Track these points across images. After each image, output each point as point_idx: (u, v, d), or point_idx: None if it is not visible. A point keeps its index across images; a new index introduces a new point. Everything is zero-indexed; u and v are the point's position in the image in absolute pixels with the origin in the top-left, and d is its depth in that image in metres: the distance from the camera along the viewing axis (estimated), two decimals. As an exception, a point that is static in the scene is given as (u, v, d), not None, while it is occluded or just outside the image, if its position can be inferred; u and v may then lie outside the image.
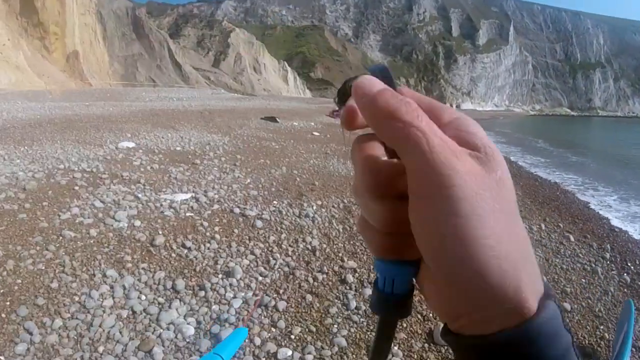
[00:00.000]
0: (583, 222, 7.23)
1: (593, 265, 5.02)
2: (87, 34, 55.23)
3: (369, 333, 3.21)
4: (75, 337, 2.91)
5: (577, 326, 3.69)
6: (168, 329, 3.04)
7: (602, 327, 3.69)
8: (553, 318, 0.30)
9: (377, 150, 0.33)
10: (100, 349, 2.80)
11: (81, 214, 5.22)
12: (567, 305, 3.98)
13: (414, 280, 0.35)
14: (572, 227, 6.69)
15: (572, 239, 5.96)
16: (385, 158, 0.33)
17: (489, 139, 0.33)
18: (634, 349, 3.30)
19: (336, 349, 3.02)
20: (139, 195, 6.12)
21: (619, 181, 12.92)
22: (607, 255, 5.48)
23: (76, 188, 6.35)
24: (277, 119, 20.04)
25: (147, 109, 20.76)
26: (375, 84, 0.32)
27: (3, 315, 3.11)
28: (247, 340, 2.92)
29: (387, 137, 0.31)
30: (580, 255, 5.36)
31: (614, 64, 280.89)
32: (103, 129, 12.56)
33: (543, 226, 6.43)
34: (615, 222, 7.65)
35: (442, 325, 0.33)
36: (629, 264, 5.27)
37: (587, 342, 3.46)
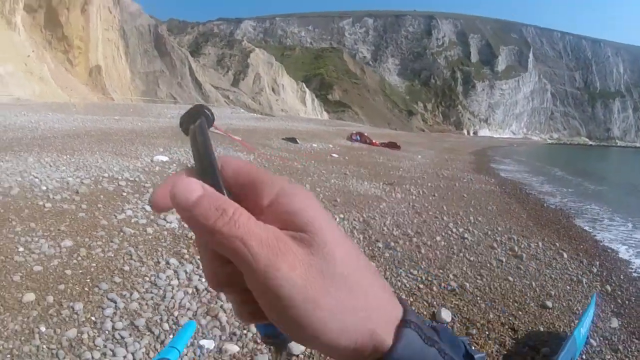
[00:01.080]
0: (578, 242, 7.86)
1: (579, 277, 5.68)
2: (109, 49, 56.85)
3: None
4: (153, 305, 3.67)
5: (556, 319, 4.35)
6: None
7: (576, 321, 4.36)
8: (411, 342, 0.33)
9: (214, 253, 0.34)
10: (175, 313, 3.56)
11: (135, 216, 6.02)
12: (549, 303, 4.64)
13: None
14: (567, 247, 7.32)
15: (565, 255, 6.61)
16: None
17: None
18: (598, 339, 3.99)
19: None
20: (182, 203, 6.92)
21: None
22: (594, 270, 6.13)
23: (124, 194, 7.17)
24: (297, 140, 20.83)
25: (174, 126, 21.76)
26: (191, 192, 0.32)
27: (87, 289, 3.86)
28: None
29: (215, 248, 0.32)
30: (570, 268, 6.02)
31: (633, 94, 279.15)
32: (137, 143, 13.47)
33: (540, 244, 7.10)
34: (608, 244, 8.26)
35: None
36: (613, 278, 5.91)
37: (562, 330, 4.13)
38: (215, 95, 76.59)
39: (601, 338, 4.10)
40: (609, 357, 3.83)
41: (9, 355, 2.85)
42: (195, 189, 0.32)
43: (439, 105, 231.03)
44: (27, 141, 11.90)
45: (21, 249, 4.47)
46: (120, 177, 8.30)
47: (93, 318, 3.41)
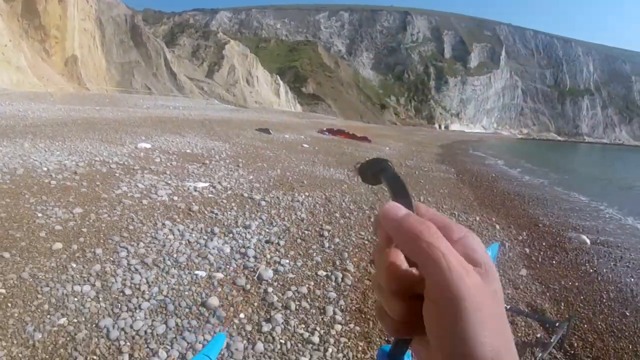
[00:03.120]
0: (515, 218, 9.14)
1: (504, 241, 6.96)
2: (86, 39, 56.41)
3: (334, 256, 5.16)
4: (156, 251, 4.78)
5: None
6: (214, 248, 4.94)
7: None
8: None
9: (399, 259, 0.42)
10: (174, 255, 4.69)
11: (130, 191, 7.07)
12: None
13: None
14: (502, 221, 8.58)
15: (497, 227, 7.91)
16: (405, 266, 0.42)
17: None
18: (504, 280, 5.25)
19: (313, 262, 4.96)
20: (169, 182, 7.99)
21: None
22: (520, 238, 7.43)
23: (117, 175, 8.19)
24: (270, 130, 21.81)
25: (153, 116, 22.56)
26: (399, 210, 0.41)
27: (102, 241, 4.94)
28: (265, 249, 4.90)
29: (412, 254, 0.39)
30: (498, 235, 7.31)
31: (602, 92, 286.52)
32: (120, 131, 14.34)
33: (478, 218, 8.41)
34: (542, 218, 9.57)
35: None
36: (535, 244, 7.21)
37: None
38: (190, 86, 76.56)
39: (508, 280, 5.37)
40: (509, 291, 5.08)
41: (50, 282, 3.91)
42: (402, 208, 0.42)
43: (411, 99, 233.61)
44: (19, 129, 12.68)
45: (40, 214, 5.49)
46: (110, 161, 9.28)
47: (111, 258, 4.50)
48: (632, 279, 6.01)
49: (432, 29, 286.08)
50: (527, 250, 6.77)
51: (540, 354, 3.58)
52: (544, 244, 7.25)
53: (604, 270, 6.14)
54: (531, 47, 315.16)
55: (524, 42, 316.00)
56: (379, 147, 23.62)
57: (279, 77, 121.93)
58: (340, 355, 3.36)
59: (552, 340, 3.77)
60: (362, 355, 3.43)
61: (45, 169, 7.90)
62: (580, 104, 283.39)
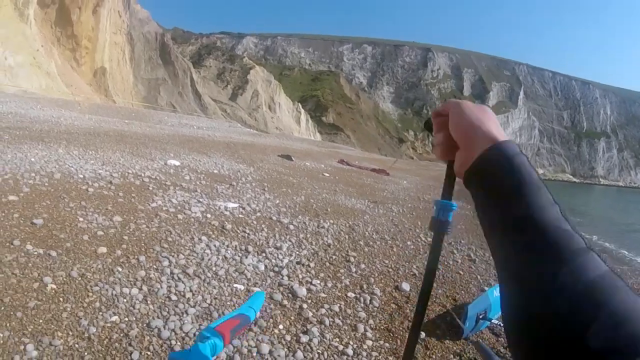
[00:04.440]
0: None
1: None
2: (115, 53, 58.34)
3: (361, 280, 5.39)
4: (196, 263, 5.05)
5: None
6: (249, 265, 5.20)
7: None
8: (512, 145, 0.64)
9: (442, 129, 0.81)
10: (213, 268, 4.95)
11: (165, 205, 7.39)
12: (487, 288, 6.10)
13: (451, 215, 0.84)
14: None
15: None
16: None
17: None
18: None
19: (342, 284, 5.19)
20: (200, 200, 8.32)
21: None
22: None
23: (150, 188, 8.53)
24: (292, 157, 22.18)
25: (180, 134, 23.14)
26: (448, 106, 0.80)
27: (143, 250, 5.23)
28: (297, 270, 5.16)
29: (445, 110, 0.80)
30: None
31: (619, 134, 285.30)
32: (150, 147, 14.81)
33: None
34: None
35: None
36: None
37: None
38: (214, 107, 78.11)
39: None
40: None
41: (99, 282, 4.19)
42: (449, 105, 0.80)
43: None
44: (54, 134, 13.21)
45: (81, 219, 5.82)
46: (142, 175, 9.63)
47: (154, 266, 4.78)
48: None
49: (452, 66, 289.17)
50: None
51: None
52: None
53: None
54: (549, 87, 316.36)
55: (542, 83, 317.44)
56: (396, 180, 23.81)
57: (300, 105, 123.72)
58: (373, 368, 3.57)
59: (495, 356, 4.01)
60: (393, 369, 3.63)
61: (81, 176, 8.28)
62: (597, 146, 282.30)
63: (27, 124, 14.47)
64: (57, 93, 38.89)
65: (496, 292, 4.75)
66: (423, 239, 8.85)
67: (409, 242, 8.26)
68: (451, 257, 7.73)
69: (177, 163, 12.51)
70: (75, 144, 12.10)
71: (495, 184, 0.60)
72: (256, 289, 4.63)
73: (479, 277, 6.73)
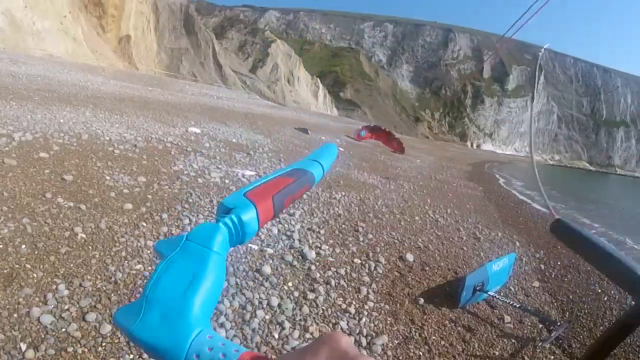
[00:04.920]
0: (535, 238, 9.41)
1: (521, 256, 7.37)
2: (140, 22, 58.56)
3: (368, 248, 5.72)
4: (214, 223, 5.39)
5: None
6: (264, 229, 5.54)
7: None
8: None
9: None
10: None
11: (185, 169, 7.73)
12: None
13: None
14: (522, 239, 8.88)
15: (517, 244, 8.29)
16: None
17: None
18: (517, 287, 5.72)
19: (349, 251, 5.51)
20: (219, 167, 8.65)
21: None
22: (537, 256, 7.81)
23: (172, 153, 8.88)
24: (309, 131, 22.42)
25: (200, 103, 23.49)
26: None
27: (166, 208, 5.56)
28: (307, 235, 5.50)
29: None
30: (517, 251, 7.69)
31: (638, 124, 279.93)
32: (172, 114, 15.16)
33: (500, 234, 8.80)
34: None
35: None
36: (550, 261, 7.58)
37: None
38: (234, 79, 78.22)
39: (521, 288, 5.80)
40: (520, 295, 5.52)
41: (125, 235, 4.54)
42: None
43: (446, 115, 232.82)
44: (81, 98, 13.60)
45: (108, 177, 6.17)
46: (165, 140, 9.98)
47: (176, 224, 5.13)
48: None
49: (473, 47, 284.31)
50: (542, 266, 7.15)
51: (540, 344, 4.07)
52: (559, 263, 7.60)
53: (612, 292, 6.49)
54: (570, 74, 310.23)
55: (564, 69, 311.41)
56: (410, 159, 23.98)
57: (319, 80, 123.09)
58: (372, 324, 3.90)
59: (551, 335, 4.27)
60: (390, 327, 3.96)
61: (107, 138, 8.64)
62: (615, 135, 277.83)
63: (56, 86, 14.87)
64: (83, 58, 39.37)
65: (494, 267, 5.03)
66: (431, 214, 9.12)
67: (417, 217, 8.54)
68: (457, 234, 8.00)
69: (198, 130, 12.84)
70: (101, 108, 12.48)
71: None
72: (269, 250, 4.97)
73: (481, 254, 7.00)
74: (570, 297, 5.84)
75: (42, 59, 28.41)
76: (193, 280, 0.49)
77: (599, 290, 6.41)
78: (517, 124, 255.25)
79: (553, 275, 6.78)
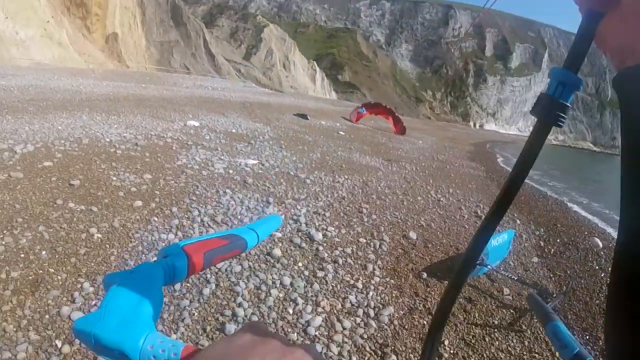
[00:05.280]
0: (536, 216, 9.66)
1: (521, 234, 7.59)
2: (126, 17, 57.80)
3: (372, 228, 5.94)
4: (222, 212, 5.61)
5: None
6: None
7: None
8: None
9: None
10: (239, 216, 5.52)
11: (189, 163, 7.93)
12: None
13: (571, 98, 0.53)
14: (523, 217, 9.11)
15: (518, 221, 8.49)
16: None
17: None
18: (516, 262, 5.94)
19: (355, 231, 5.72)
20: (222, 158, 8.85)
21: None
22: (537, 233, 8.02)
23: (174, 148, 9.07)
24: (308, 116, 22.51)
25: (196, 96, 23.62)
26: None
27: (174, 202, 5.78)
28: (313, 218, 5.71)
29: None
30: (517, 229, 7.91)
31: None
32: (169, 109, 15.32)
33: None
34: (563, 220, 10.12)
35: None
36: (550, 239, 7.80)
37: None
38: (228, 68, 77.89)
39: (520, 263, 6.03)
40: (519, 270, 5.74)
41: (139, 230, 4.76)
42: None
43: (448, 95, 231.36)
44: (75, 102, 13.73)
45: (114, 178, 6.37)
46: (165, 136, 10.17)
47: (186, 216, 5.34)
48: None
49: (474, 25, 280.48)
50: (542, 243, 7.36)
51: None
52: (558, 240, 7.81)
53: (609, 269, 6.71)
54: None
55: (568, 47, 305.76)
56: (412, 140, 24.10)
57: (315, 64, 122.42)
58: (379, 298, 4.13)
59: (547, 306, 4.49)
60: (395, 299, 4.20)
61: (107, 139, 8.82)
62: (620, 116, 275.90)
63: (49, 94, 14.96)
64: (71, 62, 39.21)
65: (494, 242, 5.22)
66: (433, 195, 9.32)
67: (419, 198, 8.75)
68: (458, 213, 8.20)
69: (196, 124, 13.00)
70: (97, 110, 12.63)
71: None
72: (278, 234, 5.19)
73: (483, 231, 7.19)
74: (568, 272, 6.05)
75: (30, 68, 28.41)
76: (140, 298, 0.62)
77: (597, 267, 6.62)
78: (520, 103, 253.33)
79: (552, 252, 6.98)
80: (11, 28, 35.54)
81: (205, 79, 51.11)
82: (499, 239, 5.34)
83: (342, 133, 18.84)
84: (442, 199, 9.08)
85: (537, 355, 3.78)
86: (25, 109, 11.28)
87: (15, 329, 2.97)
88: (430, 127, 56.93)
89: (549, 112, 0.55)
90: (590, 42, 0.57)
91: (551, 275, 5.88)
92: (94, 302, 3.39)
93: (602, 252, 7.59)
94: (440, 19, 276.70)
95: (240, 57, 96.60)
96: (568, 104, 0.55)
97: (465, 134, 67.60)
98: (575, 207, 13.13)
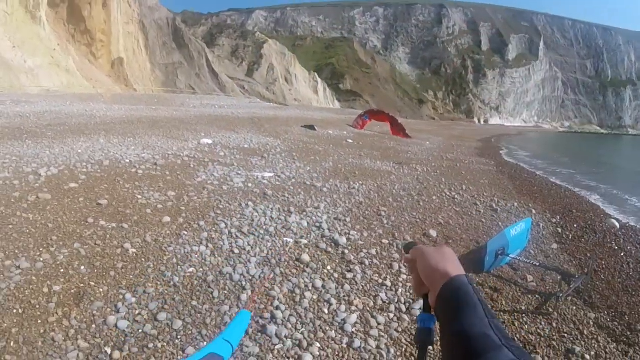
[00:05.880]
0: (550, 205, 9.78)
1: (538, 222, 7.71)
2: (130, 42, 58.75)
3: (393, 229, 6.11)
4: (248, 223, 5.81)
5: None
6: (294, 223, 5.95)
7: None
8: (462, 278, 0.83)
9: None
10: (264, 227, 5.71)
11: (209, 179, 8.16)
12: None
13: (433, 323, 0.90)
14: (538, 207, 9.21)
15: (533, 211, 8.62)
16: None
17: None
18: (537, 251, 6.07)
19: (376, 234, 5.90)
20: (239, 172, 9.07)
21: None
22: (554, 220, 8.14)
23: (192, 166, 9.31)
24: (315, 127, 22.75)
25: (205, 115, 23.98)
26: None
27: (200, 216, 5.98)
28: (335, 224, 5.90)
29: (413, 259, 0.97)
30: (533, 217, 8.03)
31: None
32: (181, 129, 15.61)
33: (516, 204, 9.13)
34: (577, 206, 10.20)
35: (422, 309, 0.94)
36: (567, 225, 7.92)
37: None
38: (232, 85, 78.54)
39: (540, 251, 6.17)
40: (540, 257, 5.88)
41: (172, 244, 4.95)
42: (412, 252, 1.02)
43: (449, 93, 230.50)
44: (91, 126, 14.06)
45: (139, 196, 6.60)
46: (182, 155, 10.41)
47: (214, 229, 5.54)
48: (653, 256, 6.66)
49: (468, 21, 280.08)
50: (560, 230, 7.49)
51: (562, 296, 4.42)
52: (575, 225, 7.93)
53: (629, 248, 6.81)
54: (570, 37, 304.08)
55: (563, 32, 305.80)
56: (419, 142, 24.27)
57: (316, 75, 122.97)
58: (408, 294, 4.30)
59: (570, 287, 4.64)
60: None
61: (127, 160, 9.08)
62: (623, 95, 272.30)
63: (64, 119, 15.33)
64: (79, 88, 39.77)
65: (513, 231, 5.37)
66: (447, 193, 9.47)
67: (434, 197, 8.90)
68: (474, 208, 8.35)
69: (210, 141, 13.26)
70: (113, 133, 12.93)
71: (446, 309, 0.81)
72: (304, 241, 5.37)
73: (500, 223, 7.35)
74: (588, 255, 6.19)
75: (40, 95, 28.98)
76: None
77: (616, 248, 6.73)
78: (522, 94, 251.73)
79: (570, 237, 7.12)
80: (20, 57, 36.25)
81: (212, 98, 51.62)
82: (517, 228, 5.48)
83: (350, 141, 19.05)
84: (456, 196, 9.23)
85: (566, 335, 3.93)
86: (44, 134, 11.60)
87: (64, 338, 3.17)
88: (436, 128, 57.04)
89: (425, 336, 0.91)
90: (429, 308, 0.92)
91: (572, 259, 6.02)
92: (137, 312, 3.58)
93: (619, 233, 7.70)
94: (434, 19, 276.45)
95: (243, 74, 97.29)
96: (432, 328, 0.91)
97: (470, 130, 67.58)
98: (587, 192, 13.25)
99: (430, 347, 0.91)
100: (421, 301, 0.95)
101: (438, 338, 0.82)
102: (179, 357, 3.13)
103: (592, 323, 4.24)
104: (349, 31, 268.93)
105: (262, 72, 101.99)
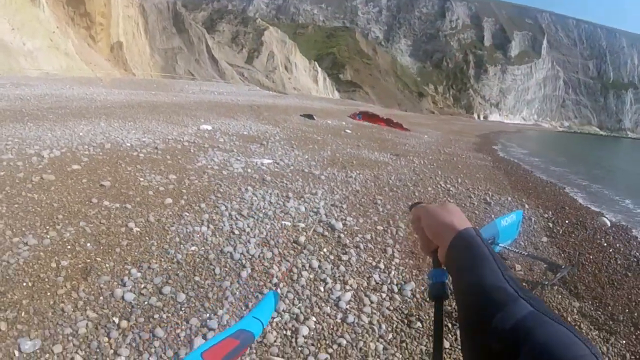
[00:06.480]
0: (543, 200, 10.00)
1: (530, 216, 7.93)
2: (130, 26, 58.14)
3: (388, 217, 6.31)
4: (248, 207, 5.99)
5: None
6: (292, 207, 6.14)
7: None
8: (470, 231, 0.83)
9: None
10: (263, 210, 5.90)
11: (209, 164, 8.32)
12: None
13: (446, 276, 0.89)
14: (531, 202, 9.44)
15: (526, 205, 8.84)
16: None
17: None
18: (527, 242, 6.29)
19: (372, 220, 6.10)
20: (238, 158, 9.24)
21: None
22: (546, 215, 8.36)
23: (192, 151, 9.46)
24: (314, 116, 22.85)
25: (204, 101, 24.04)
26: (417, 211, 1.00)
27: (201, 199, 6.15)
28: (332, 210, 6.10)
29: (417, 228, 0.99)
30: (525, 212, 8.25)
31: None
32: (181, 114, 15.73)
33: (509, 198, 9.34)
34: (570, 203, 10.45)
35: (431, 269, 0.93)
36: (559, 220, 8.14)
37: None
38: (231, 72, 78.26)
39: (530, 243, 6.38)
40: (530, 249, 6.09)
41: (174, 224, 5.14)
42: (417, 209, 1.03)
43: (450, 88, 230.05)
44: (92, 110, 14.14)
45: (141, 179, 6.76)
46: (182, 140, 10.56)
47: (214, 211, 5.73)
48: (640, 253, 6.90)
49: (471, 15, 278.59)
50: (551, 224, 7.71)
51: (548, 284, 4.64)
52: (566, 221, 8.14)
53: (617, 245, 7.04)
54: (573, 36, 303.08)
55: (566, 32, 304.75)
56: (417, 135, 24.43)
57: (316, 64, 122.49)
58: (400, 276, 4.52)
59: (556, 276, 4.87)
60: (415, 277, 4.58)
61: (128, 144, 9.22)
62: (624, 98, 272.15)
63: (65, 103, 15.37)
64: (78, 72, 39.48)
65: (504, 222, 5.56)
66: (443, 185, 9.68)
67: (429, 188, 9.12)
68: (468, 200, 8.56)
69: (209, 127, 13.40)
70: (114, 117, 13.04)
71: (457, 263, 0.82)
72: (301, 224, 5.57)
73: (493, 216, 7.55)
74: (577, 249, 6.40)
75: (40, 78, 28.87)
76: None
77: (605, 244, 6.96)
78: (522, 92, 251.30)
79: (561, 232, 7.33)
80: (18, 39, 35.95)
81: (211, 84, 51.50)
82: (508, 219, 5.67)
83: (349, 131, 19.19)
84: (451, 188, 9.44)
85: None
86: (45, 117, 11.69)
87: (73, 309, 3.36)
88: (435, 122, 57.17)
89: (437, 291, 0.89)
90: (439, 263, 0.93)
91: (561, 252, 6.24)
92: (143, 285, 3.77)
93: (610, 230, 7.92)
94: (437, 11, 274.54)
95: (242, 61, 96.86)
96: (445, 281, 0.89)
97: (469, 126, 67.73)
98: (581, 191, 13.47)
99: (445, 302, 0.89)
100: (412, 284, 1.05)
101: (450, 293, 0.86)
102: (199, 333, 3.32)
103: (575, 311, 4.46)
104: (350, 21, 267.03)
105: (262, 59, 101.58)
